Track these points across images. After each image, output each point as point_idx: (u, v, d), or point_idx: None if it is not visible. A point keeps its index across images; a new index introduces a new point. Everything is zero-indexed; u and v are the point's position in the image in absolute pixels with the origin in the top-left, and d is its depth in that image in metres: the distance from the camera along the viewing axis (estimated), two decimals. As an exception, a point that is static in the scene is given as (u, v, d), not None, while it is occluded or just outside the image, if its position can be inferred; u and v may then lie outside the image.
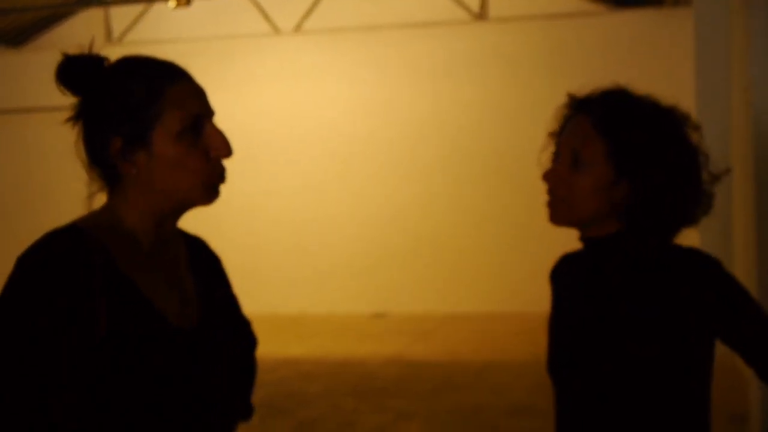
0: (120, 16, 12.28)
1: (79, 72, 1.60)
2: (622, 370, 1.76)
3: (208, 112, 1.62)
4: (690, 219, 1.83)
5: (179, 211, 1.64)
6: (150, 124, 1.56)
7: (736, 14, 6.30)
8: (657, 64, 10.20)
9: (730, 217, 7.06)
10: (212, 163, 1.60)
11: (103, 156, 1.59)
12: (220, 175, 1.61)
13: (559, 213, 1.83)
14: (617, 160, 1.77)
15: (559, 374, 1.90)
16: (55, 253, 1.49)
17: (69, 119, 1.63)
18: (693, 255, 1.79)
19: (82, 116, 1.62)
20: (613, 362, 1.77)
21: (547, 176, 1.84)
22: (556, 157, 1.86)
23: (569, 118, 1.87)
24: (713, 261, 1.77)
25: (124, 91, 1.57)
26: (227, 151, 1.60)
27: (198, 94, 1.62)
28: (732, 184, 6.51)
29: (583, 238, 1.89)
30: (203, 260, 1.76)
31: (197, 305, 1.65)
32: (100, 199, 1.66)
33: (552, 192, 1.83)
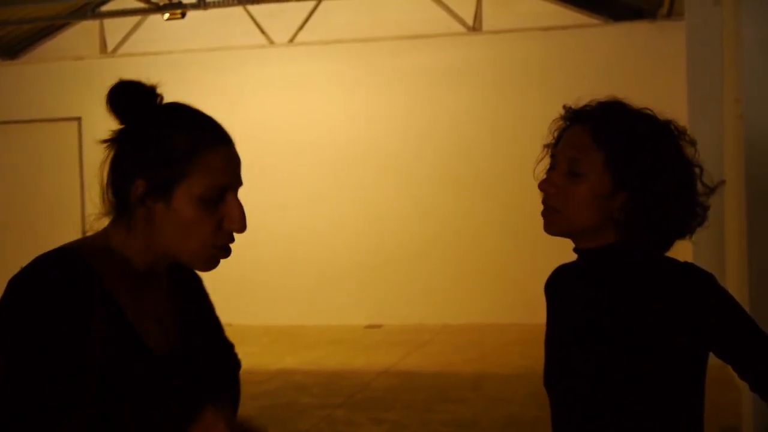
0: (114, 28, 12.28)
1: (132, 101, 1.59)
2: (618, 383, 1.77)
3: (236, 183, 1.63)
4: (686, 231, 1.84)
5: (175, 260, 1.65)
6: (178, 179, 1.55)
7: (728, 27, 6.32)
8: (650, 77, 10.23)
9: (723, 228, 7.08)
10: (222, 234, 1.60)
11: (122, 190, 1.58)
12: (224, 248, 1.61)
13: (555, 223, 1.83)
14: (615, 171, 1.78)
15: (554, 387, 1.90)
16: (50, 276, 1.49)
17: (106, 141, 1.61)
18: (688, 269, 1.79)
19: (118, 144, 1.61)
20: (609, 375, 1.78)
21: (543, 185, 1.84)
22: (552, 167, 1.87)
23: (565, 129, 1.88)
24: (707, 275, 1.78)
25: (169, 136, 1.57)
26: (241, 227, 1.61)
27: (232, 165, 1.63)
28: (724, 196, 6.53)
29: (577, 250, 1.89)
30: (184, 281, 1.76)
31: (177, 332, 1.65)
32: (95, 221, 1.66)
33: (548, 202, 1.83)
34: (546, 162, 1.90)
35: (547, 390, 1.92)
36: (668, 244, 1.84)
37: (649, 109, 1.86)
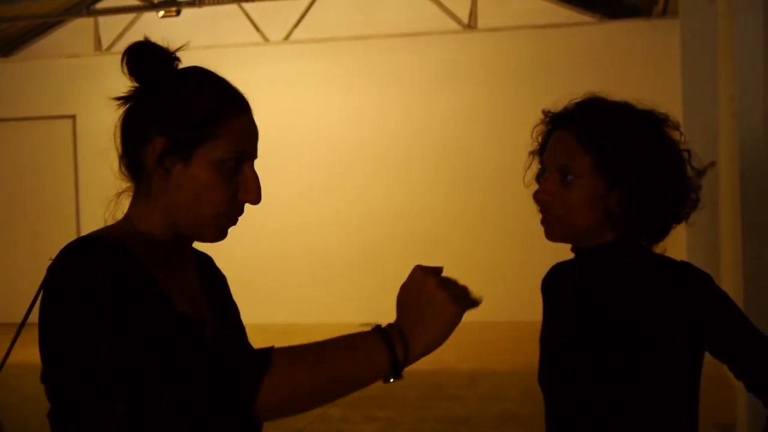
0: (109, 25, 12.26)
1: (153, 59, 1.54)
2: (617, 381, 1.77)
3: (254, 154, 1.58)
4: (681, 216, 1.84)
5: (187, 237, 1.59)
6: (200, 141, 1.50)
7: (723, 24, 6.33)
8: (645, 74, 10.24)
9: (717, 225, 7.09)
10: (236, 205, 1.56)
11: (138, 150, 1.53)
12: (234, 218, 1.57)
13: (556, 230, 1.83)
14: (605, 170, 1.78)
15: (549, 385, 1.90)
16: (96, 260, 1.40)
17: (121, 98, 1.56)
18: (686, 269, 1.80)
19: (135, 102, 1.55)
20: (608, 373, 1.78)
21: (538, 195, 1.84)
22: (541, 173, 1.87)
23: (549, 134, 1.88)
24: (705, 275, 1.78)
25: (193, 96, 1.52)
26: (256, 199, 1.56)
27: (253, 133, 1.58)
28: (719, 192, 6.53)
29: (575, 249, 1.89)
30: (212, 278, 1.72)
31: (213, 323, 1.61)
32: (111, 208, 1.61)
33: (546, 210, 1.84)
34: (534, 169, 1.91)
35: (542, 387, 1.93)
36: (666, 231, 1.84)
37: (628, 101, 1.86)
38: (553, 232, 1.84)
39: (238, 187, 1.54)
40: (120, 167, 1.58)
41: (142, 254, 1.49)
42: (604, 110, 1.83)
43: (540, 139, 1.90)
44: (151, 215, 1.54)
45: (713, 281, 1.78)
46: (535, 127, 1.92)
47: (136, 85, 1.56)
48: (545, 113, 1.90)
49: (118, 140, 1.57)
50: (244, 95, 1.60)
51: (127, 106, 1.56)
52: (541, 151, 1.89)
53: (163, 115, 1.51)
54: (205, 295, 1.65)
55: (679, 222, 1.85)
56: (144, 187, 1.54)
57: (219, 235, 1.58)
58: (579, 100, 1.87)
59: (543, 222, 1.85)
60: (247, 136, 1.56)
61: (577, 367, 1.82)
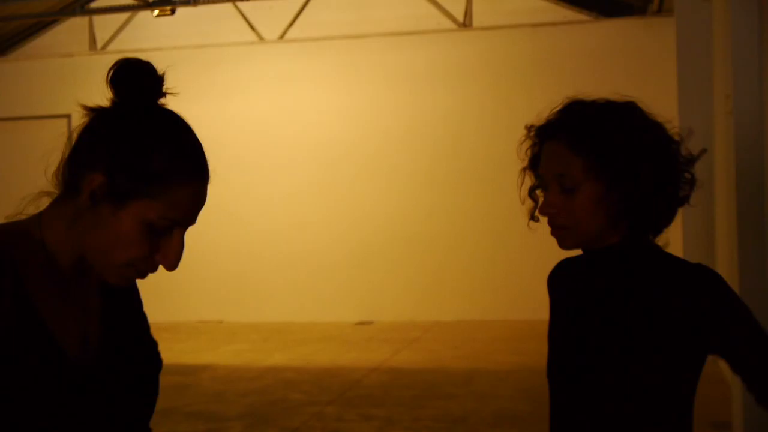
0: (104, 24, 12.25)
1: (139, 84, 1.48)
2: (620, 378, 1.78)
3: (188, 223, 1.50)
4: (682, 197, 1.86)
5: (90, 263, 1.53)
6: (137, 195, 1.43)
7: (718, 22, 6.33)
8: (640, 73, 10.25)
9: (713, 223, 7.09)
10: (150, 263, 1.49)
11: (79, 170, 1.47)
12: (143, 273, 1.50)
13: (567, 239, 1.86)
14: (601, 171, 1.79)
15: (558, 380, 1.91)
16: None
17: (90, 109, 1.49)
18: (695, 269, 1.81)
19: (100, 118, 1.49)
20: (612, 370, 1.79)
21: (544, 210, 1.86)
22: (543, 187, 1.89)
23: (536, 147, 1.90)
24: (714, 275, 1.79)
25: (151, 148, 1.45)
26: (171, 266, 1.49)
27: (196, 204, 1.50)
28: (714, 190, 6.54)
29: (586, 251, 1.90)
30: (117, 299, 1.65)
31: (101, 336, 1.56)
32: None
33: (553, 222, 1.85)
34: (528, 183, 1.92)
35: (550, 382, 1.93)
36: (671, 216, 1.85)
37: (607, 97, 1.88)
38: (564, 242, 1.86)
39: (159, 247, 1.48)
40: (56, 170, 1.53)
41: (30, 266, 1.46)
42: (586, 113, 1.85)
43: (529, 153, 1.92)
44: (62, 233, 1.50)
45: (723, 281, 1.79)
46: (521, 143, 1.93)
47: (113, 97, 1.49)
48: (528, 128, 1.92)
49: (70, 144, 1.51)
50: (206, 163, 1.51)
51: (93, 116, 1.50)
52: (533, 165, 1.91)
53: (114, 153, 1.45)
54: (104, 305, 1.60)
55: (681, 204, 1.86)
56: (68, 201, 1.49)
57: (121, 282, 1.52)
58: (559, 107, 1.89)
59: (552, 234, 1.87)
60: (188, 207, 1.49)
61: (588, 365, 1.83)
